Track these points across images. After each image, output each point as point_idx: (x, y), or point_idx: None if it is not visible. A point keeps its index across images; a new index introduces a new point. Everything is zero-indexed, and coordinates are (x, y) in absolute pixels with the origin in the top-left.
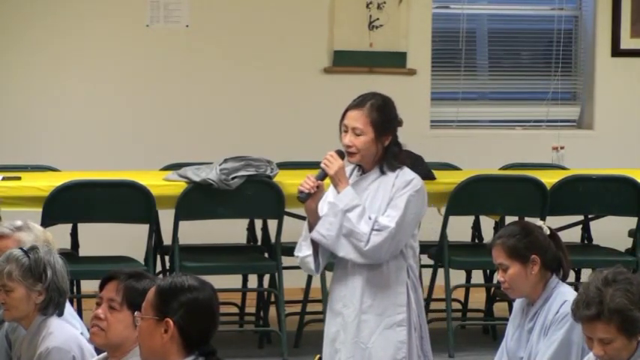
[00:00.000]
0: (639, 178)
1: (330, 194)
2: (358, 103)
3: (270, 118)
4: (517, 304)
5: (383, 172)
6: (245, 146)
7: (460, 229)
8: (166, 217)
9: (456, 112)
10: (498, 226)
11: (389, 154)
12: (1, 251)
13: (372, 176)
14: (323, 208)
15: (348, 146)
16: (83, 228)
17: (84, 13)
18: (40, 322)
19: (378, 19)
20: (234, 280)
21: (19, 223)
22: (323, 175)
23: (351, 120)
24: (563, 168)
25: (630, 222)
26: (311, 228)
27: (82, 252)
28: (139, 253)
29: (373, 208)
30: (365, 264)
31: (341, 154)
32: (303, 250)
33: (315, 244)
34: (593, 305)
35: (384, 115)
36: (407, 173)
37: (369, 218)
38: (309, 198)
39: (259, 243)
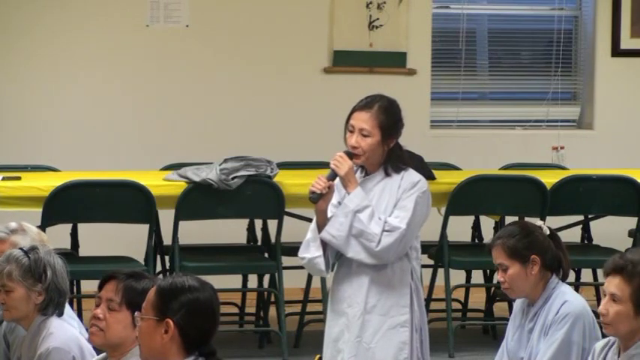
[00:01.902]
0: (639, 178)
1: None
2: (366, 105)
3: (270, 118)
4: (517, 304)
5: (387, 174)
6: (245, 146)
7: (460, 229)
8: (166, 217)
9: (456, 112)
10: (498, 226)
11: (393, 157)
12: None
13: (377, 177)
14: (328, 210)
15: (354, 147)
16: (83, 228)
17: (84, 13)
18: (40, 322)
19: (378, 19)
20: (234, 280)
21: (13, 225)
22: (333, 176)
23: (359, 121)
24: (563, 168)
25: (630, 222)
26: (320, 229)
27: (82, 252)
28: (139, 253)
29: (379, 209)
30: (371, 265)
31: (350, 155)
32: (312, 251)
33: (324, 245)
34: (623, 260)
35: (391, 118)
36: (412, 175)
37: (379, 219)
38: (320, 199)
39: (259, 243)
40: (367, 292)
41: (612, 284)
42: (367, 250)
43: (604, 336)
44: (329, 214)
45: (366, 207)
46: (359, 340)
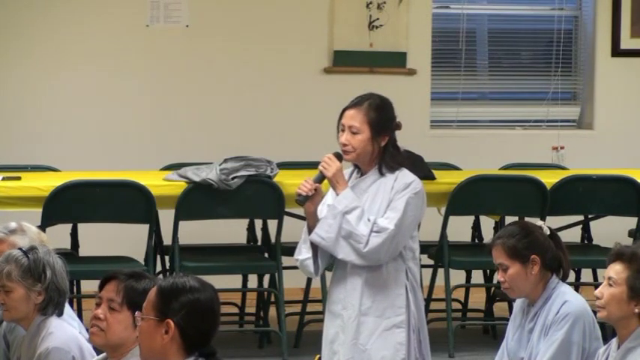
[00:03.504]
0: (639, 178)
1: (329, 197)
2: (356, 103)
3: (270, 118)
4: (517, 304)
5: (382, 174)
6: (245, 146)
7: (460, 229)
8: (166, 217)
9: (456, 112)
10: (498, 226)
11: (387, 156)
12: None
13: (371, 178)
14: (322, 210)
15: (344, 145)
16: (83, 228)
17: (84, 13)
18: (39, 322)
19: (378, 19)
20: (234, 280)
21: (13, 225)
22: (321, 178)
23: (349, 119)
24: (563, 168)
25: (630, 222)
26: (310, 231)
27: (82, 252)
28: (139, 253)
29: (372, 210)
30: (364, 266)
31: (339, 157)
32: (303, 253)
33: (315, 247)
34: (627, 247)
35: (381, 115)
36: (406, 175)
37: (368, 220)
38: (307, 201)
39: (259, 243)
40: (361, 293)
41: (612, 270)
42: (356, 251)
43: (604, 336)
44: (323, 215)
45: (355, 208)
46: (354, 342)
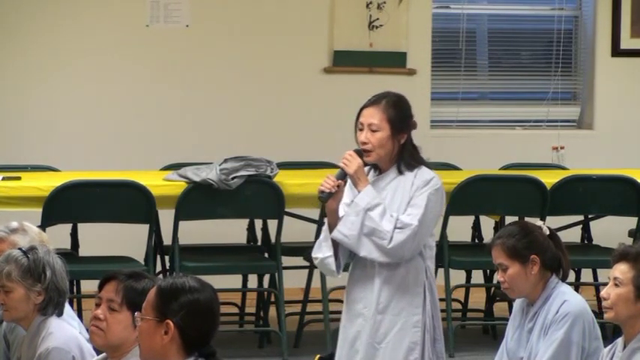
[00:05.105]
0: (639, 178)
1: (345, 195)
2: (374, 101)
3: (270, 118)
4: (517, 304)
5: (400, 172)
6: (245, 146)
7: (460, 229)
8: (166, 217)
9: (456, 112)
10: (498, 226)
11: (405, 153)
12: None
13: (390, 176)
14: (339, 209)
15: (364, 143)
16: (83, 228)
17: (84, 13)
18: (39, 322)
19: (378, 19)
20: (234, 280)
21: (14, 225)
22: (342, 175)
23: (368, 117)
24: (563, 168)
25: (630, 222)
26: (331, 228)
27: (82, 252)
28: (139, 253)
29: (392, 207)
30: (385, 264)
31: (359, 153)
32: (324, 251)
33: (336, 245)
34: (631, 247)
35: (399, 112)
36: (425, 172)
37: (391, 216)
38: (330, 198)
39: (259, 243)
40: (380, 292)
41: (617, 270)
42: (379, 248)
43: (604, 336)
44: (341, 214)
45: (377, 205)
46: (371, 342)
